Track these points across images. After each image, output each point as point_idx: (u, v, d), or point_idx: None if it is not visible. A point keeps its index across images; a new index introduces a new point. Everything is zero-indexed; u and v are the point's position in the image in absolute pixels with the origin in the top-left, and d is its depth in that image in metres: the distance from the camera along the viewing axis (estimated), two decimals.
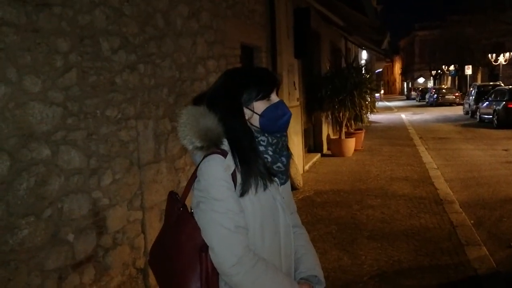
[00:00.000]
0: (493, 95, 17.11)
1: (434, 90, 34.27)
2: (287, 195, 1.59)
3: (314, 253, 1.67)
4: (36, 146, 2.35)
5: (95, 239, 2.80)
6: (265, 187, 1.42)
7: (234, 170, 1.38)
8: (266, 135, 1.47)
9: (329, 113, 9.98)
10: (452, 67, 41.83)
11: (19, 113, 2.25)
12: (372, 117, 15.31)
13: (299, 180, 6.99)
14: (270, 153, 1.46)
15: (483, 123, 16.92)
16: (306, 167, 8.51)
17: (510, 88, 17.30)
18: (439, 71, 48.01)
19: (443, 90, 33.35)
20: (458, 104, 28.73)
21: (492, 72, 35.07)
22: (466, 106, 22.14)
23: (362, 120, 10.61)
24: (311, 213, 5.68)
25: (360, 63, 16.36)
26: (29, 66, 2.31)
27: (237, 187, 1.38)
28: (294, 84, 7.88)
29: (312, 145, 10.34)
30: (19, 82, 2.26)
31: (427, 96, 36.27)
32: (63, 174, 2.53)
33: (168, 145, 3.65)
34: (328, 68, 10.54)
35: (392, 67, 72.59)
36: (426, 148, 11.00)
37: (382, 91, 50.24)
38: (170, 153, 3.69)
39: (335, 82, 9.42)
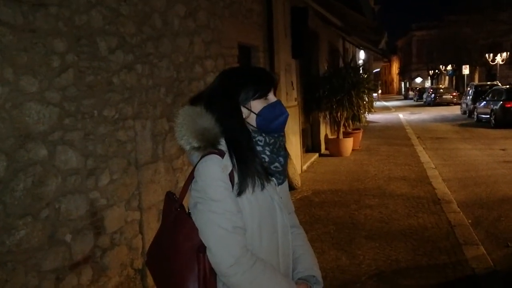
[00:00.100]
0: (490, 95, 17.16)
1: (431, 90, 34.36)
2: (285, 195, 1.59)
3: (312, 253, 1.67)
4: (33, 147, 2.34)
5: (92, 239, 2.79)
6: (263, 187, 1.42)
7: (232, 170, 1.38)
8: (264, 135, 1.47)
9: (327, 113, 9.99)
10: (449, 67, 41.94)
11: (16, 113, 2.25)
12: (370, 117, 15.30)
13: (297, 180, 6.99)
14: (268, 153, 1.46)
15: (481, 123, 16.95)
16: (304, 167, 8.51)
17: (507, 87, 17.37)
18: (436, 71, 48.14)
19: (441, 90, 33.46)
20: (456, 104, 28.81)
21: (490, 72, 35.20)
22: (464, 105, 22.20)
23: (360, 120, 10.62)
24: (309, 213, 5.68)
25: (358, 63, 16.37)
26: (26, 66, 2.30)
27: (234, 187, 1.38)
28: (292, 84, 7.88)
29: (310, 145, 10.34)
30: (16, 82, 2.25)
31: (424, 96, 36.36)
32: (60, 175, 2.53)
33: (166, 145, 3.65)
34: (326, 68, 10.54)
35: (390, 67, 72.69)
36: (423, 148, 11.02)
37: (380, 91, 50.33)
38: (168, 153, 3.68)
39: (333, 82, 9.42)
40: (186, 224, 1.40)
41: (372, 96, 11.63)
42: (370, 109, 10.79)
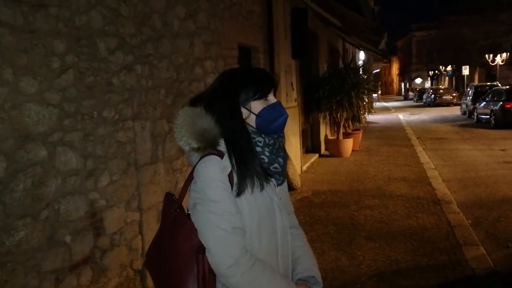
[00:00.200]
0: (490, 96, 17.16)
1: (431, 91, 34.37)
2: (284, 196, 1.59)
3: (312, 254, 1.67)
4: (32, 147, 2.34)
5: (92, 240, 2.79)
6: (262, 188, 1.42)
7: (231, 171, 1.38)
8: (263, 136, 1.47)
9: (327, 113, 10.00)
10: (449, 68, 41.96)
11: (15, 114, 2.25)
12: (370, 117, 15.32)
13: (297, 181, 6.99)
14: (267, 154, 1.46)
15: (481, 123, 16.96)
16: (304, 168, 8.51)
17: (507, 88, 17.38)
18: (436, 71, 48.15)
19: (441, 91, 33.46)
20: (456, 105, 28.82)
21: (489, 72, 35.21)
22: (464, 106, 22.20)
23: (359, 121, 10.63)
24: (309, 214, 5.68)
25: (357, 64, 16.38)
26: (25, 67, 2.30)
27: (233, 188, 1.38)
28: (292, 85, 7.89)
29: (310, 145, 10.34)
30: (16, 83, 2.25)
31: (424, 96, 36.37)
32: (60, 175, 2.53)
33: (166, 146, 3.65)
34: (325, 68, 10.55)
35: (390, 67, 72.71)
36: (423, 149, 11.02)
37: (380, 92, 50.33)
38: (167, 154, 3.68)
39: (333, 82, 9.43)
40: (185, 225, 1.41)
41: (371, 97, 11.63)
42: (370, 109, 10.80)
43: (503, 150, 10.48)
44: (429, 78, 52.89)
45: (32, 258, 2.32)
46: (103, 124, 2.90)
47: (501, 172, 8.04)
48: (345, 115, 9.90)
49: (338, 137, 10.18)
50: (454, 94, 32.21)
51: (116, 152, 3.04)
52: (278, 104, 1.50)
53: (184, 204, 1.47)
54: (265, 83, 1.49)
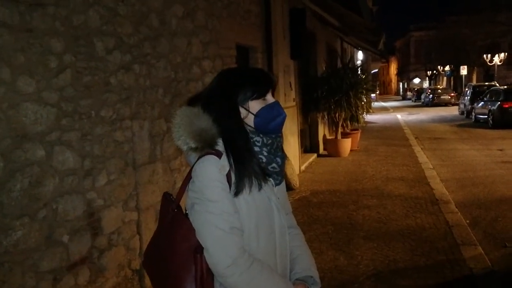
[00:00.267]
0: (488, 95, 17.18)
1: (429, 91, 34.41)
2: (282, 195, 1.58)
3: (310, 254, 1.67)
4: (30, 147, 2.34)
5: (90, 240, 2.79)
6: (260, 187, 1.42)
7: (229, 171, 1.38)
8: (261, 135, 1.46)
9: (325, 113, 10.00)
10: (447, 68, 42.02)
11: (12, 114, 2.24)
12: (368, 117, 15.33)
13: (295, 181, 6.99)
14: (265, 153, 1.46)
15: (479, 123, 16.98)
16: (302, 168, 8.51)
17: (505, 88, 17.42)
18: (434, 71, 48.22)
19: (439, 91, 33.48)
20: (454, 105, 28.84)
21: (487, 72, 35.28)
22: (462, 106, 22.22)
23: (358, 121, 10.62)
24: (307, 214, 5.68)
25: (356, 64, 16.38)
26: (22, 67, 2.30)
27: (231, 187, 1.38)
28: (290, 85, 7.89)
29: (308, 145, 10.35)
30: (13, 82, 2.24)
31: (422, 96, 36.41)
32: (57, 175, 2.52)
33: (164, 145, 3.64)
34: (324, 68, 10.55)
35: (388, 67, 72.79)
36: (421, 148, 11.04)
37: (378, 92, 50.39)
38: (165, 154, 3.68)
39: (331, 82, 9.43)
40: (183, 225, 1.40)
41: (370, 97, 11.64)
42: (368, 109, 10.80)
43: (501, 150, 10.49)
44: (427, 78, 52.93)
45: (29, 258, 2.32)
46: (101, 124, 2.90)
47: (499, 172, 8.05)
48: (343, 115, 9.90)
49: (336, 137, 10.19)
50: (452, 94, 32.24)
51: (114, 152, 3.03)
52: (276, 104, 1.50)
53: (182, 203, 1.47)
54: (263, 83, 1.48)
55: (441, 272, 3.85)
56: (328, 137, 11.07)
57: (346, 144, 10.08)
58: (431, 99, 31.97)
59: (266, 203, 1.45)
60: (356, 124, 10.99)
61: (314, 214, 5.64)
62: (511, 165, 8.57)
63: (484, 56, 32.16)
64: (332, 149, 10.03)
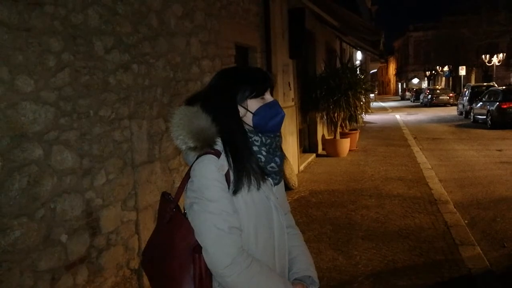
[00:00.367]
0: (486, 96, 17.21)
1: (428, 91, 34.42)
2: (281, 195, 1.58)
3: (308, 254, 1.67)
4: (28, 146, 2.33)
5: (88, 239, 2.78)
6: (258, 186, 1.42)
7: (228, 170, 1.38)
8: (260, 135, 1.46)
9: (324, 113, 10.00)
10: (446, 68, 42.05)
11: (11, 113, 2.24)
12: (367, 117, 15.35)
13: (294, 181, 6.99)
14: (264, 153, 1.46)
15: (477, 124, 17.00)
16: (301, 168, 8.51)
17: (503, 88, 17.42)
18: (433, 71, 48.24)
19: (437, 91, 33.50)
20: (452, 105, 28.89)
21: (486, 73, 35.30)
22: (460, 106, 22.26)
23: (356, 121, 10.63)
24: (306, 214, 5.68)
25: (354, 64, 16.39)
26: (21, 66, 2.29)
27: (230, 186, 1.38)
28: (289, 85, 7.88)
29: (307, 145, 10.35)
30: (11, 81, 2.24)
31: (421, 96, 36.43)
32: (56, 175, 2.52)
33: (162, 145, 3.64)
34: (323, 68, 10.55)
35: (387, 67, 72.87)
36: (420, 149, 11.04)
37: (376, 92, 50.43)
38: (164, 153, 3.67)
39: (330, 82, 9.43)
40: (182, 225, 1.40)
41: (369, 97, 11.65)
42: (367, 109, 10.80)
43: (499, 150, 10.51)
44: (426, 78, 52.98)
45: (27, 257, 2.31)
46: (100, 123, 2.89)
47: (497, 172, 8.06)
48: (342, 115, 9.90)
49: (335, 137, 10.19)
50: (451, 95, 32.26)
51: (113, 151, 3.03)
52: (275, 102, 1.50)
53: (180, 203, 1.46)
54: (261, 82, 1.49)
55: (440, 272, 3.85)
56: (327, 137, 11.08)
57: (345, 144, 10.09)
58: (429, 100, 31.99)
59: (265, 202, 1.45)
60: (355, 124, 10.99)
61: (313, 214, 5.64)
62: (509, 166, 8.58)
63: (483, 56, 32.20)
64: (331, 149, 10.03)
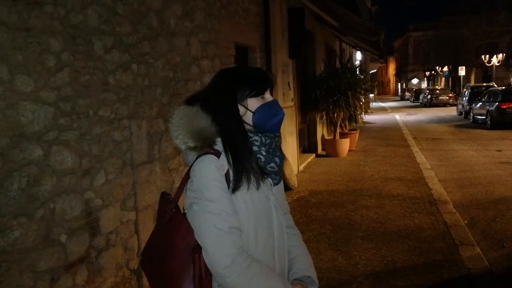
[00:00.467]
0: (486, 96, 17.22)
1: (428, 91, 34.43)
2: (280, 195, 1.58)
3: (307, 254, 1.67)
4: (27, 146, 2.33)
5: (87, 240, 2.78)
6: (258, 186, 1.42)
7: (228, 170, 1.37)
8: (260, 135, 1.46)
9: (324, 113, 10.00)
10: (445, 68, 42.07)
11: (10, 113, 2.23)
12: (367, 117, 15.36)
13: (293, 181, 6.99)
14: (263, 153, 1.46)
15: (477, 124, 17.01)
16: (301, 168, 8.51)
17: (503, 89, 17.44)
18: (433, 72, 48.26)
19: (437, 91, 33.51)
20: (452, 105, 28.90)
21: (486, 73, 35.32)
22: (460, 107, 22.27)
23: (356, 121, 10.63)
24: (305, 214, 5.68)
25: (354, 64, 16.39)
26: (20, 65, 2.29)
27: (230, 185, 1.37)
28: (289, 85, 7.88)
29: (307, 145, 10.35)
30: (11, 81, 2.23)
31: (421, 97, 36.44)
32: (55, 175, 2.51)
33: (162, 145, 3.64)
34: (322, 68, 10.55)
35: (386, 67, 72.89)
36: (420, 149, 11.05)
37: (376, 92, 50.42)
38: (163, 154, 3.67)
39: (330, 82, 9.43)
40: (182, 225, 1.40)
41: (368, 97, 11.65)
42: (367, 110, 10.81)
43: (499, 151, 10.51)
44: (425, 78, 53.01)
45: (27, 257, 2.31)
46: (99, 123, 2.89)
47: (497, 172, 8.06)
48: (341, 115, 9.90)
49: (335, 137, 10.19)
50: (451, 95, 32.28)
51: (112, 151, 3.02)
52: (274, 102, 1.50)
53: (180, 203, 1.46)
54: (261, 81, 1.49)
55: (439, 272, 3.85)
56: (326, 137, 11.08)
57: (345, 144, 10.09)
58: (429, 100, 32.00)
59: (264, 202, 1.45)
60: (354, 124, 11.00)
61: (313, 214, 5.64)
62: (509, 166, 8.59)
63: (482, 56, 32.22)
64: (331, 149, 10.03)
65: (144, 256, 1.54)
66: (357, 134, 11.52)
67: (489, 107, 15.90)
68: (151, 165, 3.49)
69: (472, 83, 30.85)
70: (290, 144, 7.57)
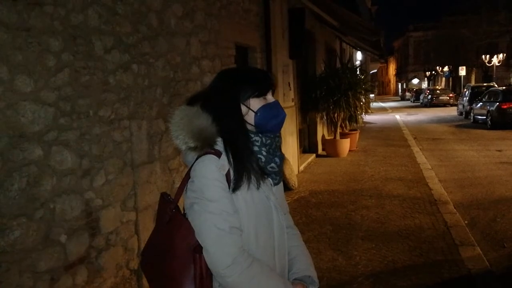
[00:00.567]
0: (486, 96, 17.21)
1: (428, 91, 34.42)
2: (280, 195, 1.58)
3: (307, 254, 1.67)
4: (27, 146, 2.33)
5: (87, 240, 2.78)
6: (258, 186, 1.42)
7: (228, 170, 1.37)
8: (260, 135, 1.46)
9: (324, 113, 10.00)
10: (446, 68, 42.06)
11: (10, 113, 2.23)
12: (367, 117, 15.35)
13: (294, 181, 6.99)
14: (264, 153, 1.46)
15: (477, 124, 17.00)
16: (301, 168, 8.51)
17: (503, 89, 17.43)
18: (433, 72, 48.25)
19: (437, 91, 33.50)
20: (452, 105, 28.88)
21: (486, 73, 35.31)
22: (460, 107, 22.26)
23: (356, 121, 10.63)
24: (306, 214, 5.67)
25: (354, 64, 16.38)
26: (20, 66, 2.29)
27: (230, 185, 1.37)
28: (289, 85, 7.88)
29: (307, 145, 10.34)
30: (11, 81, 2.23)
31: (421, 97, 36.44)
32: (55, 175, 2.51)
33: (162, 145, 3.64)
34: (323, 68, 10.55)
35: (387, 68, 72.88)
36: (420, 149, 11.04)
37: (376, 92, 50.42)
38: (164, 154, 3.67)
39: (330, 82, 9.43)
40: (182, 225, 1.40)
41: (369, 97, 11.65)
42: (367, 110, 10.80)
43: (499, 151, 10.51)
44: (426, 78, 52.98)
45: (27, 258, 2.31)
46: (99, 123, 2.89)
47: (497, 172, 8.06)
48: (342, 115, 9.90)
49: (335, 137, 10.19)
50: (451, 95, 32.26)
51: (112, 152, 3.02)
52: (276, 103, 1.51)
53: (179, 204, 1.46)
54: (264, 82, 1.49)
55: (439, 272, 3.85)
56: (327, 137, 11.07)
57: (345, 145, 10.09)
58: (429, 100, 32.00)
59: (265, 202, 1.45)
60: (354, 124, 10.99)
61: (313, 214, 5.64)
62: (509, 166, 8.58)
63: (483, 56, 32.21)
64: (331, 149, 10.03)
65: (144, 256, 1.54)
66: (358, 134, 11.52)
67: (489, 107, 15.90)
68: (151, 165, 3.49)
69: (473, 83, 30.83)
70: (290, 144, 7.57)
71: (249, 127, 1.46)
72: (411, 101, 42.01)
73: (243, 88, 1.44)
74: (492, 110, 15.59)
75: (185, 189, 1.42)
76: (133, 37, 3.26)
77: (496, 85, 22.54)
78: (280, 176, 1.53)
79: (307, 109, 9.72)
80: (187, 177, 1.41)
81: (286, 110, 1.56)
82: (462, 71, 34.48)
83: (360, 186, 7.14)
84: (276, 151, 1.50)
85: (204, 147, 1.38)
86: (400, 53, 64.49)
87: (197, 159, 1.38)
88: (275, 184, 1.52)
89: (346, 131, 11.07)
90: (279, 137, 1.54)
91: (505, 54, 31.94)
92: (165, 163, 3.70)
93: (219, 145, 1.40)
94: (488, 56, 31.74)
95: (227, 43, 5.05)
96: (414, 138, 13.27)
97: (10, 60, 2.23)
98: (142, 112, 3.37)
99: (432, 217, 5.36)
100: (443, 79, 46.80)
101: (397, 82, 69.04)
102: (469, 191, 6.79)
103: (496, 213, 5.61)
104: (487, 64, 32.09)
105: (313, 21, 9.93)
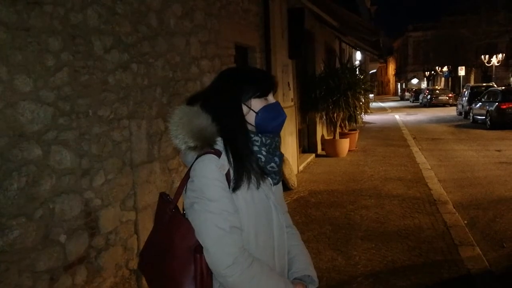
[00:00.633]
0: (486, 96, 17.22)
1: (427, 91, 34.44)
2: (279, 195, 1.58)
3: (307, 253, 1.67)
4: (27, 146, 2.33)
5: (87, 240, 2.78)
6: (258, 185, 1.42)
7: (228, 170, 1.37)
8: (260, 135, 1.46)
9: (323, 113, 9.99)
10: (445, 68, 42.08)
11: (9, 113, 2.23)
12: (366, 117, 15.36)
13: (293, 181, 6.99)
14: (264, 153, 1.46)
15: (476, 124, 17.01)
16: (301, 168, 8.51)
17: (502, 89, 17.44)
18: (432, 72, 48.27)
19: (437, 91, 33.51)
20: (452, 105, 28.90)
21: (485, 73, 35.35)
22: (459, 107, 22.27)
23: (356, 121, 10.63)
24: (305, 214, 5.67)
25: (354, 64, 16.38)
26: (20, 65, 2.28)
27: (230, 185, 1.37)
28: (289, 85, 7.88)
29: (307, 145, 10.34)
30: (10, 81, 2.23)
31: (420, 97, 36.44)
32: (54, 174, 2.51)
33: (162, 145, 3.63)
34: (322, 68, 10.55)
35: (386, 68, 72.90)
36: (419, 149, 11.04)
37: (376, 92, 50.43)
38: (163, 153, 3.67)
39: (329, 82, 9.43)
40: (182, 225, 1.40)
41: (368, 97, 11.65)
42: (366, 110, 10.80)
43: (498, 151, 10.51)
44: (425, 78, 53.01)
45: (26, 257, 2.30)
46: (99, 123, 2.89)
47: (496, 172, 8.06)
48: (341, 115, 9.90)
49: (334, 137, 10.19)
50: (450, 95, 32.27)
51: (112, 151, 3.02)
52: (277, 104, 1.51)
53: (178, 203, 1.46)
54: (265, 82, 1.49)
55: (439, 272, 3.85)
56: (326, 137, 11.07)
57: (344, 144, 10.09)
58: (429, 100, 32.00)
59: (264, 202, 1.45)
60: (354, 124, 10.99)
61: (312, 214, 5.64)
62: (508, 166, 8.59)
63: (482, 57, 32.24)
64: (330, 149, 10.03)
65: (143, 257, 1.54)
66: (357, 134, 11.52)
67: (488, 107, 15.91)
68: (150, 165, 3.49)
69: (472, 83, 30.85)
70: (290, 144, 7.57)
71: (249, 127, 1.46)
72: (410, 101, 42.02)
73: (244, 88, 1.44)
74: (491, 110, 15.60)
75: (184, 189, 1.42)
76: (132, 36, 3.26)
77: (495, 85, 22.56)
78: (279, 176, 1.53)
79: (307, 109, 9.72)
80: (187, 177, 1.41)
81: (285, 110, 1.57)
82: (462, 71, 34.49)
83: (360, 186, 7.14)
84: (275, 151, 1.50)
85: (204, 146, 1.38)
86: (399, 53, 64.52)
87: (197, 158, 1.38)
88: (275, 184, 1.52)
89: (346, 131, 11.07)
90: (279, 137, 1.54)
91: (504, 54, 31.98)
92: (165, 163, 3.70)
93: (219, 144, 1.40)
94: (487, 56, 31.77)
95: (226, 43, 5.05)
96: (414, 138, 13.28)
97: (10, 59, 2.23)
98: (142, 112, 3.37)
99: (431, 217, 5.36)
100: (443, 79, 46.82)
101: (396, 82, 69.06)
102: (469, 191, 6.79)
103: (495, 213, 5.62)
104: (487, 64, 32.12)
105: (313, 21, 9.93)
